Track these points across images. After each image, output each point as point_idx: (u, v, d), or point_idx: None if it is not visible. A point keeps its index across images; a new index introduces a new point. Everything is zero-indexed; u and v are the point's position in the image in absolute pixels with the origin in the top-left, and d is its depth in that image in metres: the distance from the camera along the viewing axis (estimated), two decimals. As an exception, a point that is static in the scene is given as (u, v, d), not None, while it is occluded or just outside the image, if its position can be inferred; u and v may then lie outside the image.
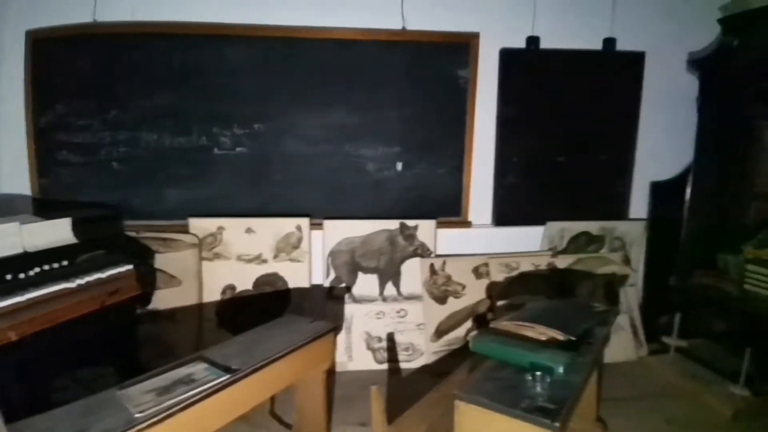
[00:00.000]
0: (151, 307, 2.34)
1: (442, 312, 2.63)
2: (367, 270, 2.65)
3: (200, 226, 2.50)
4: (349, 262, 2.63)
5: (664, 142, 2.87)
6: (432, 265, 2.65)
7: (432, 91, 2.66)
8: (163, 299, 2.38)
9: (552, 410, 1.23)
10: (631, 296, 2.83)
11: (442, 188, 2.76)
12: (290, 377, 1.68)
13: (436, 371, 2.49)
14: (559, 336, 1.55)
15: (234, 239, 2.52)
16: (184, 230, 2.48)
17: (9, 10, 2.40)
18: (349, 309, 2.61)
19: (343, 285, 2.62)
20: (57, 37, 2.41)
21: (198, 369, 1.42)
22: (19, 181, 2.50)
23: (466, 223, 2.81)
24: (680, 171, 2.80)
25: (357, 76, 2.58)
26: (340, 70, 2.57)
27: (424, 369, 2.58)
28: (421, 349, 2.63)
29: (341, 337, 2.57)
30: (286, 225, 2.56)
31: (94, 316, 1.87)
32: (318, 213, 2.63)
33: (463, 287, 2.66)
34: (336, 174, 2.65)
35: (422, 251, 2.68)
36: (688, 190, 2.64)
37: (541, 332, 1.57)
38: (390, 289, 2.67)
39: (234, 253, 2.53)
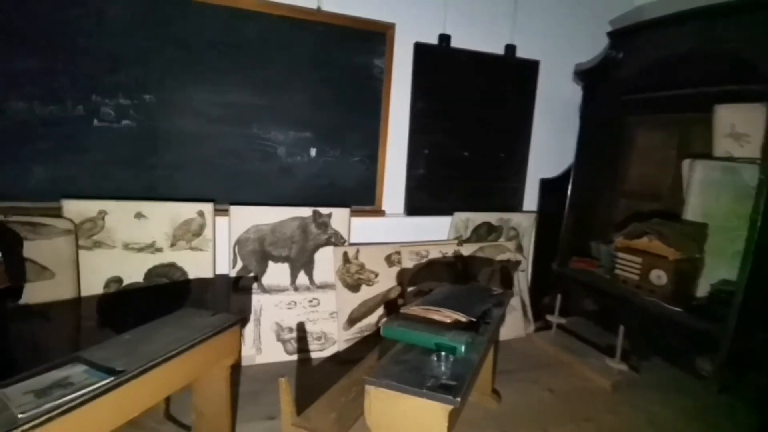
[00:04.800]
0: (22, 301, 1.98)
1: (354, 300, 2.65)
2: (277, 259, 2.55)
3: (76, 209, 2.15)
4: (258, 250, 2.49)
5: (552, 143, 3.22)
6: (345, 254, 2.65)
7: (347, 78, 2.62)
8: (34, 293, 2.02)
9: (453, 386, 1.31)
10: (522, 280, 3.15)
11: (354, 176, 2.75)
12: (188, 376, 1.54)
13: (348, 359, 2.51)
14: (462, 318, 1.66)
15: (120, 225, 2.21)
16: (57, 214, 2.12)
17: None
18: (259, 299, 2.49)
19: (252, 275, 2.49)
20: None
21: (76, 372, 1.25)
22: None
23: (380, 212, 2.85)
24: (564, 170, 3.17)
25: (265, 53, 2.42)
26: (249, 45, 2.38)
27: (336, 357, 2.58)
28: (333, 338, 2.62)
29: (249, 330, 2.45)
30: (186, 210, 2.33)
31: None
32: (219, 198, 2.43)
33: (376, 275, 2.70)
34: (240, 157, 2.46)
35: (335, 239, 2.66)
36: (569, 187, 3.00)
37: (446, 315, 1.66)
38: (302, 279, 2.61)
39: (120, 240, 2.23)
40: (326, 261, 2.64)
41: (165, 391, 1.49)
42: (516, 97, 3.10)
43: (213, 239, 2.39)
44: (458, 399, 1.25)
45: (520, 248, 3.19)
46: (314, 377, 2.37)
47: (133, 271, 2.26)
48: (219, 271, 2.45)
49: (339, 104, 2.63)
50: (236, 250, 2.44)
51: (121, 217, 2.21)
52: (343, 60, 2.59)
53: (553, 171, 3.26)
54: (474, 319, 1.67)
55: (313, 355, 2.58)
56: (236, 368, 2.21)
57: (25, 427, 1.05)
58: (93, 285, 2.20)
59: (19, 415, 1.06)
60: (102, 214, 2.19)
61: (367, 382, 1.36)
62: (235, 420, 1.89)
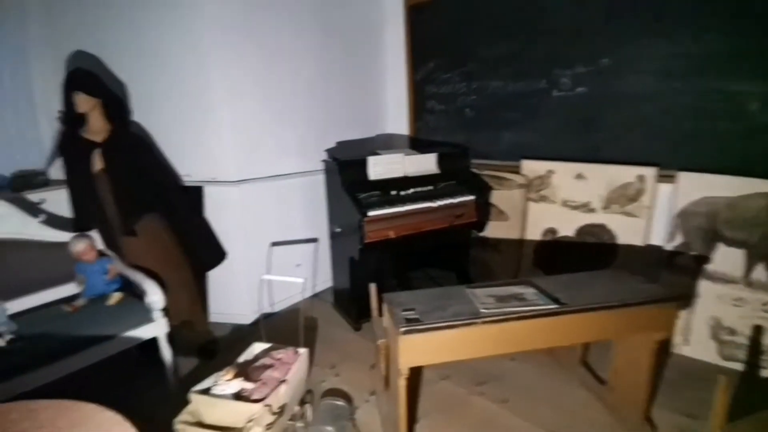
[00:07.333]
0: (483, 234, 2.71)
1: None
2: (731, 242, 2.05)
3: (530, 168, 2.61)
4: (707, 227, 2.10)
5: None
6: None
7: None
8: (492, 230, 2.71)
9: None
10: None
11: None
12: (612, 332, 1.60)
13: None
14: None
15: (562, 184, 2.49)
16: (515, 171, 2.66)
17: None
18: (697, 285, 2.13)
19: (693, 254, 2.15)
20: (425, 3, 2.95)
21: (528, 292, 1.57)
22: (398, 124, 3.37)
23: None
24: None
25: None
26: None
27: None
28: (804, 364, 1.88)
29: (680, 315, 2.18)
30: (624, 174, 2.29)
31: (443, 231, 2.39)
32: (664, 163, 2.20)
33: None
34: (697, 115, 2.09)
35: (843, 232, 1.81)
36: None
37: None
38: (761, 273, 1.99)
39: (560, 197, 2.51)
40: (818, 259, 1.86)
41: (592, 335, 1.62)
42: None
43: (651, 207, 2.25)
44: None
45: None
46: (753, 393, 1.83)
47: (567, 225, 2.52)
48: (651, 242, 2.29)
49: None
50: (677, 223, 2.17)
51: (564, 177, 2.49)
52: None
53: None
54: None
55: (760, 371, 1.97)
56: (664, 347, 2.05)
57: (485, 319, 1.40)
58: (534, 231, 2.65)
59: (482, 310, 1.44)
60: (549, 173, 2.54)
61: None
62: (653, 400, 1.78)
